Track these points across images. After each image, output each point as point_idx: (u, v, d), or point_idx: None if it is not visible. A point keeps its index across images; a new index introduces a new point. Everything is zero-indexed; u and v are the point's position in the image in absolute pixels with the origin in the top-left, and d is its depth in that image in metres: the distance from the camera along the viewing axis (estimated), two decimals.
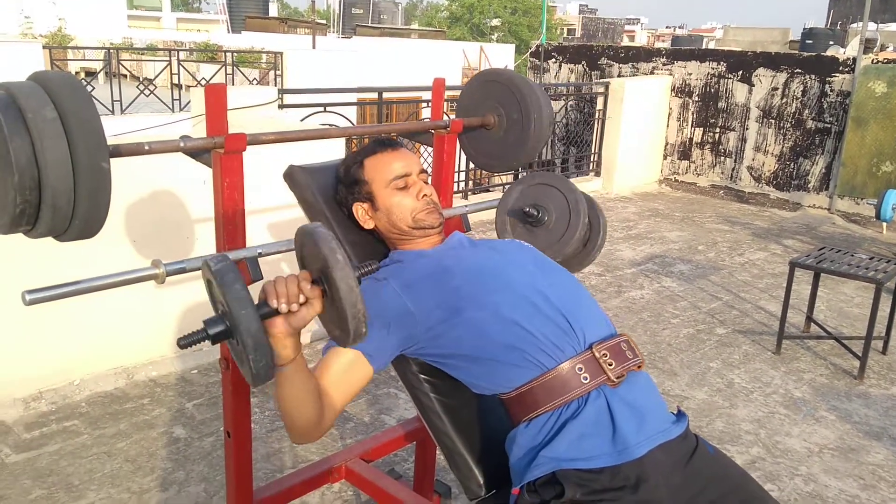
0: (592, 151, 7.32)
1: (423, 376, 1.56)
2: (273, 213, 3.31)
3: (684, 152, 7.61)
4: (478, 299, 1.42)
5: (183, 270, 1.51)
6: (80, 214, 1.26)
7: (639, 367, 1.40)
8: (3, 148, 1.17)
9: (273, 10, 30.98)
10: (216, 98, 1.54)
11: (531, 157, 2.09)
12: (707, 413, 3.06)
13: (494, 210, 1.95)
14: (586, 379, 1.34)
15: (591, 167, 7.36)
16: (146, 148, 1.46)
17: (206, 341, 1.21)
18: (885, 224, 6.05)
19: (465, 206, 2.07)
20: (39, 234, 1.29)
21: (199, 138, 1.53)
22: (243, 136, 1.53)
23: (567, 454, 1.29)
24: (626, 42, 46.93)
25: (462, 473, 1.53)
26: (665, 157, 7.76)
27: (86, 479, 2.45)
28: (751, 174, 7.18)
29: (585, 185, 7.16)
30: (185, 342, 1.21)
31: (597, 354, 1.35)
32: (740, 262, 5.20)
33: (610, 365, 1.35)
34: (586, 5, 73.05)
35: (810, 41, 20.85)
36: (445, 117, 2.10)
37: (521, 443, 1.37)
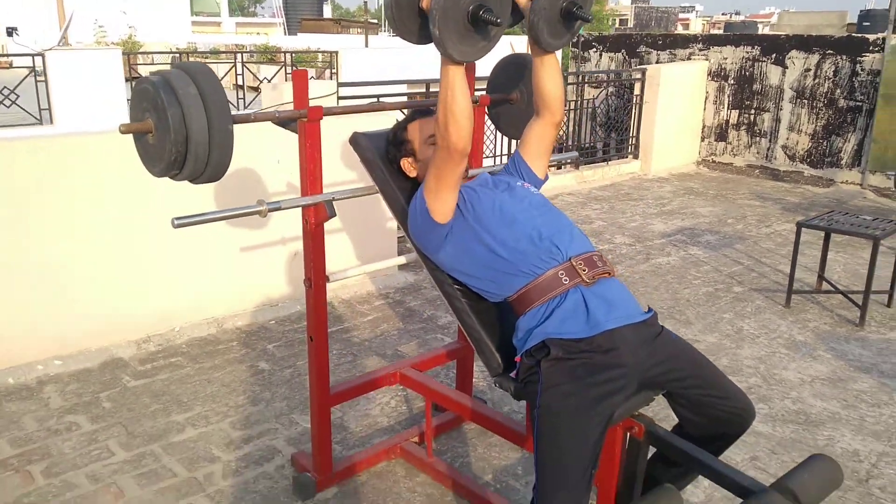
0: (631, 135, 7.70)
1: (456, 287, 2.06)
2: (341, 170, 3.83)
3: (721, 134, 7.92)
4: (491, 230, 1.93)
5: (278, 208, 2.05)
6: (212, 162, 1.81)
7: (609, 273, 1.88)
8: (163, 114, 1.73)
9: (327, 12, 31.88)
10: (300, 81, 2.09)
11: None
12: (714, 352, 3.48)
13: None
14: (566, 280, 1.82)
15: (629, 150, 7.74)
16: (252, 117, 2.01)
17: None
18: None
19: (491, 167, 2.56)
20: (183, 177, 1.85)
21: (288, 111, 2.08)
22: (321, 108, 2.07)
23: (553, 330, 1.78)
24: (680, 30, 46.45)
25: (485, 357, 2.03)
26: (703, 139, 8.08)
27: (192, 397, 3.04)
28: (785, 153, 7.46)
29: (624, 167, 7.56)
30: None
31: (574, 264, 1.84)
32: (766, 233, 5.55)
33: (584, 270, 1.83)
34: None
35: (868, 23, 20.48)
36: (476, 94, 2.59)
37: (521, 327, 1.86)
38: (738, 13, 68.82)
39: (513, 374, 1.93)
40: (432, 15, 1.69)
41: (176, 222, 1.89)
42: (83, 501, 2.36)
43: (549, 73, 2.08)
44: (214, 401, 3.02)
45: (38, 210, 3.13)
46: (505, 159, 6.19)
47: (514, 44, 15.68)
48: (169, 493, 2.41)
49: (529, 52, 2.11)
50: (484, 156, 3.08)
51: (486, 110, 2.60)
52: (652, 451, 1.94)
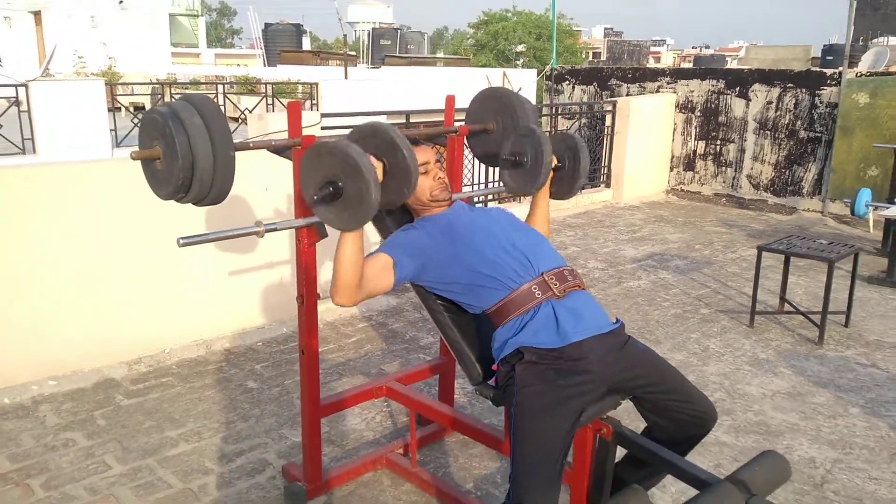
0: (603, 165, 7.97)
1: (439, 302, 2.24)
2: None
3: (689, 164, 8.23)
4: (470, 246, 2.11)
5: (275, 229, 2.21)
6: (216, 186, 1.97)
7: (579, 287, 2.06)
8: (171, 142, 1.90)
9: (306, 44, 32.27)
10: (294, 112, 2.27)
11: None
12: (682, 369, 3.61)
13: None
14: (539, 294, 2.00)
15: (601, 179, 8.01)
16: (250, 145, 2.18)
17: (322, 204, 1.87)
18: (870, 222, 6.59)
19: (471, 190, 2.75)
20: (188, 200, 2.01)
21: (282, 139, 2.25)
22: (314, 136, 2.24)
23: (527, 341, 1.96)
24: (651, 63, 47.54)
25: (466, 367, 2.20)
26: (672, 169, 8.38)
27: (184, 415, 3.16)
28: (750, 182, 7.77)
29: (597, 195, 7.82)
30: (317, 199, 1.85)
31: (546, 278, 2.02)
32: (732, 258, 5.80)
33: (555, 284, 2.01)
34: (611, 28, 73.85)
35: (830, 57, 21.23)
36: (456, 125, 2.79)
37: (498, 338, 2.04)
38: (707, 47, 70.55)
39: (491, 382, 2.10)
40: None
41: (181, 241, 2.04)
42: None
43: (538, 221, 2.47)
44: (206, 418, 3.13)
45: (33, 235, 3.26)
46: (482, 186, 6.40)
47: (489, 76, 16.06)
48: (165, 503, 2.52)
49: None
50: (463, 184, 3.28)
51: (465, 140, 2.80)
52: (620, 454, 2.12)
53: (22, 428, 3.00)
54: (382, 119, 7.90)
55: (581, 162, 2.47)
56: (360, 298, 2.01)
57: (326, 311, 4.32)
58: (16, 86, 9.04)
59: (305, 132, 2.47)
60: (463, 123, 2.77)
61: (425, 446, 2.88)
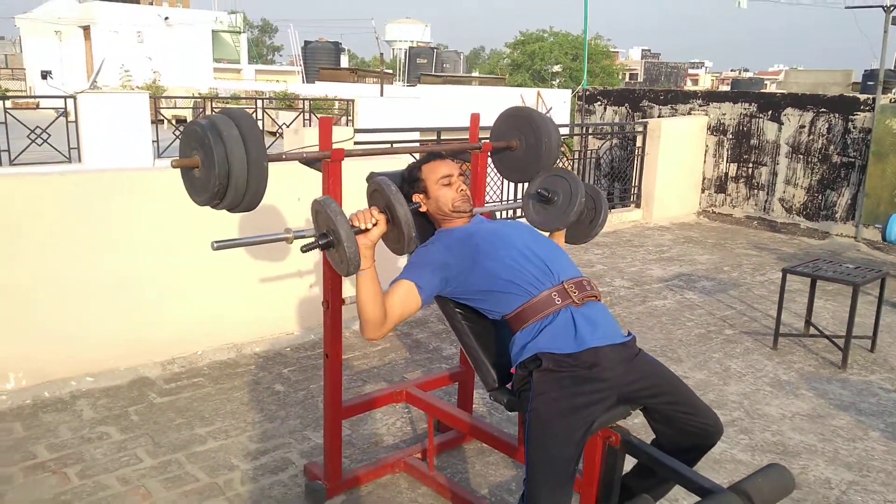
0: (633, 185, 8.01)
1: (457, 310, 2.33)
2: (354, 201, 4.14)
3: (720, 186, 8.22)
4: (490, 254, 2.20)
5: (303, 236, 2.32)
6: (249, 192, 2.10)
7: (596, 297, 2.14)
8: (209, 152, 2.03)
9: (344, 62, 32.83)
10: (325, 126, 2.39)
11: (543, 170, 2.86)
12: (702, 388, 3.70)
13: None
14: (559, 301, 2.08)
15: (632, 199, 8.04)
16: (283, 157, 2.31)
17: (319, 249, 2.04)
18: None
19: (493, 204, 2.85)
20: (223, 206, 2.14)
21: (313, 152, 2.38)
22: (343, 150, 2.36)
23: (545, 345, 2.04)
24: (689, 85, 47.30)
25: (482, 373, 2.28)
26: (703, 191, 8.38)
27: (213, 413, 3.28)
28: (782, 205, 7.74)
29: (626, 215, 7.85)
30: (307, 249, 2.02)
31: (566, 286, 2.10)
32: (760, 281, 5.79)
33: (574, 292, 2.09)
34: (649, 50, 73.71)
35: (871, 83, 20.97)
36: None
37: (517, 342, 2.12)
38: (746, 70, 69.95)
39: (509, 386, 2.17)
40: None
41: (215, 245, 2.16)
42: (114, 500, 2.59)
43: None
44: (234, 417, 3.25)
45: (78, 239, 3.43)
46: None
47: (524, 96, 16.18)
48: (192, 495, 2.64)
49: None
50: (491, 200, 3.36)
51: (490, 155, 2.89)
52: (629, 464, 2.17)
53: (60, 420, 3.15)
54: (415, 135, 8.05)
55: (601, 214, 2.59)
56: (390, 327, 2.13)
57: (352, 319, 4.43)
58: (65, 97, 9.41)
59: (340, 146, 2.59)
60: (487, 140, 2.87)
61: (443, 452, 2.96)
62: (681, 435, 2.10)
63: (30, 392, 3.35)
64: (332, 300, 2.48)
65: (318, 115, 13.78)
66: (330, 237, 2.02)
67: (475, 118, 2.89)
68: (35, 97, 15.50)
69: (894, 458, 3.06)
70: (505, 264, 2.15)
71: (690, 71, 65.36)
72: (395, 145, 5.76)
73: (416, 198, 2.43)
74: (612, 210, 7.95)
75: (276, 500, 2.63)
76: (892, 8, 7.13)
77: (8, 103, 9.58)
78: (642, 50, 72.30)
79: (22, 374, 3.37)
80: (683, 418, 2.08)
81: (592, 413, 1.96)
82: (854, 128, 7.11)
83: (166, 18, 22.94)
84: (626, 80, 52.74)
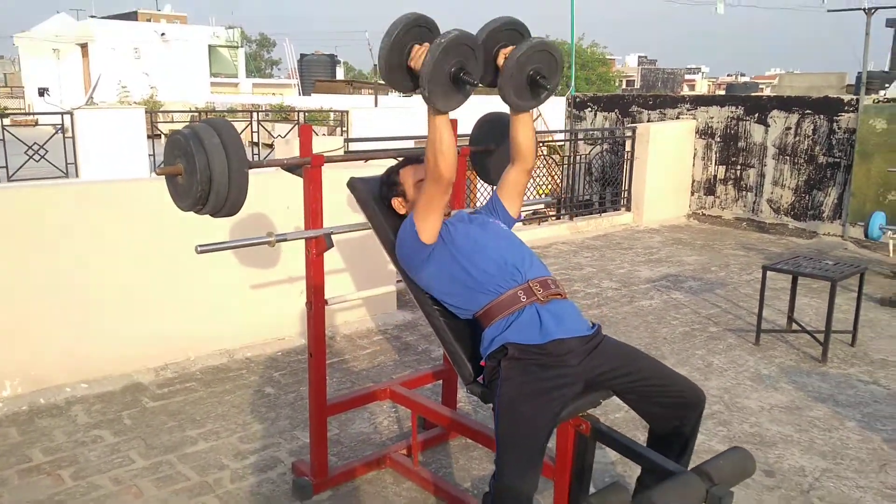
0: (623, 189, 8.10)
1: (435, 307, 2.41)
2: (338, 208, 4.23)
3: (709, 188, 8.32)
4: (465, 254, 2.29)
5: (285, 239, 2.42)
6: (230, 199, 2.19)
7: (561, 295, 2.23)
8: (192, 159, 2.13)
9: (340, 74, 33.05)
10: (306, 134, 2.49)
11: None
12: None
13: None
14: (524, 298, 2.17)
15: (622, 203, 8.14)
16: (264, 163, 2.41)
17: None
18: (890, 246, 6.60)
19: (469, 210, 2.94)
20: (205, 211, 2.24)
21: (294, 158, 2.47)
22: (322, 156, 2.46)
23: (512, 337, 2.13)
24: (686, 91, 47.51)
25: (459, 367, 2.36)
26: (692, 193, 8.47)
27: (204, 416, 3.37)
28: (770, 206, 7.83)
29: (616, 218, 7.95)
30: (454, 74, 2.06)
31: (531, 285, 2.20)
32: (746, 280, 5.88)
33: (539, 290, 2.18)
34: (645, 57, 74.03)
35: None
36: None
37: (486, 337, 2.21)
38: (742, 74, 70.19)
39: (480, 379, 2.26)
40: (422, 78, 2.07)
41: (199, 248, 2.26)
42: (107, 499, 2.67)
43: (523, 129, 2.45)
44: (224, 419, 3.34)
45: (74, 249, 3.52)
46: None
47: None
48: (183, 493, 2.72)
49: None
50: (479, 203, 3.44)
51: (468, 160, 2.99)
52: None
53: (55, 425, 3.24)
54: (410, 144, 8.15)
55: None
56: (448, 181, 2.20)
57: (344, 324, 4.52)
58: (62, 113, 9.54)
59: (331, 155, 2.68)
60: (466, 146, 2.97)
61: (428, 449, 3.04)
62: (662, 409, 2.16)
63: (26, 399, 3.43)
64: (315, 300, 2.56)
65: (315, 127, 13.92)
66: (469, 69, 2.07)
67: (453, 123, 2.98)
68: (33, 114, 15.64)
69: (868, 446, 3.14)
70: (477, 267, 2.25)
71: (687, 77, 65.64)
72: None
73: (395, 202, 2.52)
74: (603, 214, 8.05)
75: (264, 496, 2.71)
76: (872, 10, 7.25)
77: (7, 121, 9.71)
78: (639, 56, 72.63)
79: (18, 382, 3.45)
80: (658, 390, 2.14)
81: (560, 397, 2.04)
82: (839, 128, 7.22)
83: (163, 34, 23.15)
84: (623, 86, 52.92)
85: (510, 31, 2.33)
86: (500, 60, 2.28)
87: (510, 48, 2.26)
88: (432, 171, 2.20)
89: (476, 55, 2.12)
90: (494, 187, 2.66)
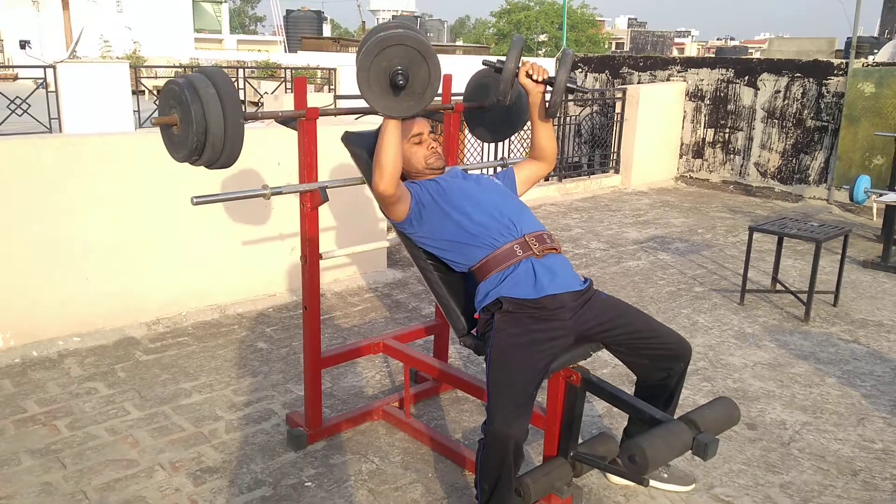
0: (612, 151, 8.12)
1: (428, 261, 2.44)
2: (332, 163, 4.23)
3: (698, 151, 8.35)
4: (459, 208, 2.31)
5: (280, 192, 2.42)
6: (226, 150, 2.19)
7: (556, 249, 2.26)
8: (187, 109, 2.11)
9: (326, 31, 32.51)
10: (300, 86, 2.47)
11: (513, 131, 2.97)
12: None
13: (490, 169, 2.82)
14: (520, 252, 2.21)
15: (611, 165, 8.16)
16: (259, 115, 2.40)
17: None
18: (874, 210, 6.69)
19: (463, 166, 2.95)
20: (201, 162, 2.23)
21: (289, 111, 2.46)
22: (318, 109, 2.45)
23: (507, 291, 2.16)
24: (675, 54, 47.24)
25: (453, 320, 2.40)
26: (681, 156, 8.50)
27: (198, 369, 3.40)
28: (757, 170, 7.88)
29: (605, 181, 7.97)
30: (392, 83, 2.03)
31: (527, 239, 2.23)
32: (732, 241, 5.95)
33: (535, 245, 2.22)
34: (635, 19, 73.34)
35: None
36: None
37: (481, 290, 2.24)
38: (732, 38, 69.79)
39: (473, 332, 2.30)
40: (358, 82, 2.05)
41: (195, 199, 2.27)
42: (104, 449, 2.71)
43: (547, 134, 2.54)
44: (218, 373, 3.37)
45: (65, 203, 3.50)
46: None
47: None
48: (178, 443, 2.76)
49: (531, 116, 2.51)
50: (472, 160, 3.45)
51: (462, 115, 2.99)
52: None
53: (48, 377, 3.26)
54: None
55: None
56: (393, 190, 2.19)
57: (334, 281, 4.55)
58: (44, 67, 9.34)
59: (326, 109, 2.67)
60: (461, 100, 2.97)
61: (420, 401, 3.10)
62: (650, 360, 2.23)
63: (18, 351, 3.45)
64: (310, 254, 2.58)
65: (296, 78, 13.77)
66: (408, 75, 2.06)
67: (447, 79, 2.98)
68: (14, 67, 15.31)
69: (847, 401, 3.24)
70: (472, 220, 2.27)
71: (677, 40, 65.23)
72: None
73: None
74: (592, 176, 8.07)
75: (259, 446, 2.76)
76: None
77: None
78: (629, 19, 71.94)
79: (10, 335, 3.46)
80: (646, 343, 2.21)
81: (550, 349, 2.09)
82: (828, 92, 7.24)
83: None
84: (612, 49, 52.54)
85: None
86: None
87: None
88: (373, 187, 2.24)
89: (427, 60, 2.08)
90: (511, 165, 2.69)
